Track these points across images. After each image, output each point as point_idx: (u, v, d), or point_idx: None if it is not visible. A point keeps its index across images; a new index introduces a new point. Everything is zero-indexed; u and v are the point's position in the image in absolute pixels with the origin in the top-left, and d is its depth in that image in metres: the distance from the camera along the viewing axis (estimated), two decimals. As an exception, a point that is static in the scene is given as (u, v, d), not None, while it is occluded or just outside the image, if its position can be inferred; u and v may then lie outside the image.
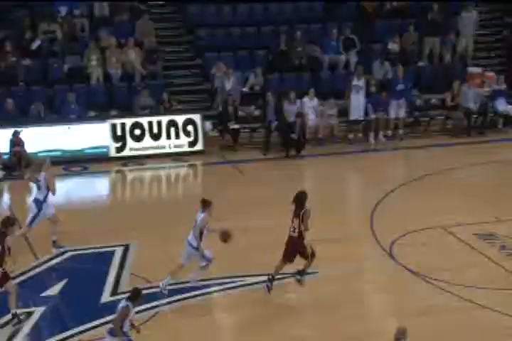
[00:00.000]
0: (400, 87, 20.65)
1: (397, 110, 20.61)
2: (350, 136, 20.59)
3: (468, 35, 22.80)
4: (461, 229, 15.21)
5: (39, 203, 13.81)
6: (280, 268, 12.66)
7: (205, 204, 12.50)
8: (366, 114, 20.49)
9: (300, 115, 19.72)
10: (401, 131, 20.71)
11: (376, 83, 20.82)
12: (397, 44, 22.14)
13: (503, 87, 21.43)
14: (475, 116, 20.91)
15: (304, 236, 12.46)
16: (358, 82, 20.44)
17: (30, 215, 13.82)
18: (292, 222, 12.51)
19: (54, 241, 14.12)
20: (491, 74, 21.87)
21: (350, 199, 17.80)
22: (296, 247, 12.47)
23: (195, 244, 12.45)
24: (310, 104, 20.28)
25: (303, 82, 21.25)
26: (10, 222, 11.69)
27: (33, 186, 14.46)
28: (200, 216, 12.47)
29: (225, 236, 12.40)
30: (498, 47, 23.60)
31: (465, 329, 12.15)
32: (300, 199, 12.54)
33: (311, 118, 20.20)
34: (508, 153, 19.99)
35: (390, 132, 20.68)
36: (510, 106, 21.22)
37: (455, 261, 14.05)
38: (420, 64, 22.27)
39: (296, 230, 12.43)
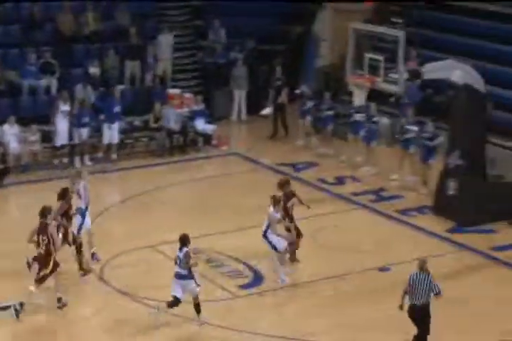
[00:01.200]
0: (117, 109, 20.88)
1: (111, 134, 20.78)
2: (56, 161, 20.49)
3: (166, 58, 23.56)
4: (170, 246, 15.74)
5: (82, 211, 14.64)
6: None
7: (274, 200, 14.53)
8: (71, 138, 20.50)
9: (1, 144, 19.35)
10: (114, 155, 20.85)
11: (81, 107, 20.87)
12: (97, 68, 22.39)
13: (201, 107, 22.33)
14: (177, 135, 21.61)
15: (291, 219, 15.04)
16: (65, 107, 20.42)
17: (77, 223, 14.63)
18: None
19: (93, 254, 14.87)
20: (189, 95, 22.75)
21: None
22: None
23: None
24: (11, 131, 19.95)
25: (2, 109, 20.86)
26: (47, 211, 13.43)
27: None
28: (270, 210, 14.54)
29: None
30: (194, 70, 24.57)
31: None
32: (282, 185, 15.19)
33: (13, 146, 19.86)
34: (208, 170, 20.94)
35: (99, 154, 20.77)
36: (208, 126, 22.18)
37: (165, 279, 14.49)
38: (121, 87, 22.61)
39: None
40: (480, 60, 21.35)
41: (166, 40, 23.54)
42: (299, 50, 25.37)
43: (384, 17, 24.09)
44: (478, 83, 17.39)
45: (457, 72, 17.25)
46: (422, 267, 12.14)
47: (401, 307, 12.11)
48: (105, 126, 20.81)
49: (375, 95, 20.65)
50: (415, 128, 19.25)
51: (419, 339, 12.14)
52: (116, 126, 20.89)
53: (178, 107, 22.07)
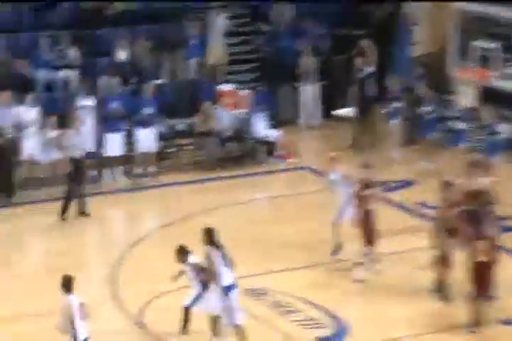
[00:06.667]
0: (149, 110, 20.83)
1: (146, 141, 20.77)
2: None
3: (216, 45, 23.71)
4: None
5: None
6: None
7: None
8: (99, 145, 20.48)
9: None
10: (153, 168, 20.88)
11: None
12: (126, 53, 22.41)
13: (261, 108, 22.15)
14: (231, 143, 21.55)
15: None
16: (88, 102, 20.52)
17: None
18: None
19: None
20: (246, 92, 22.66)
21: (87, 258, 17.85)
22: None
23: None
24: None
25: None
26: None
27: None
28: None
29: None
30: (250, 60, 24.62)
31: None
32: None
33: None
34: (271, 188, 20.89)
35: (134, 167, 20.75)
36: (271, 131, 22.07)
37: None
38: (159, 81, 22.55)
39: None
40: None
41: (218, 22, 23.79)
42: (384, 36, 25.26)
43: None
44: None
45: None
46: None
47: None
48: (139, 132, 20.86)
49: (489, 95, 20.40)
50: None
51: None
52: (152, 131, 20.94)
53: (231, 107, 22.11)
